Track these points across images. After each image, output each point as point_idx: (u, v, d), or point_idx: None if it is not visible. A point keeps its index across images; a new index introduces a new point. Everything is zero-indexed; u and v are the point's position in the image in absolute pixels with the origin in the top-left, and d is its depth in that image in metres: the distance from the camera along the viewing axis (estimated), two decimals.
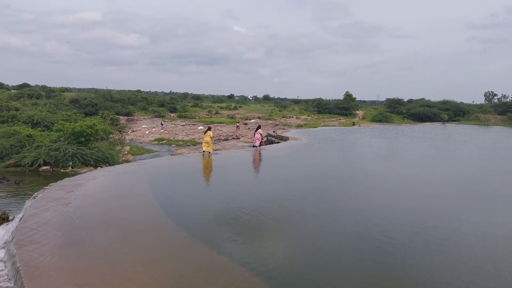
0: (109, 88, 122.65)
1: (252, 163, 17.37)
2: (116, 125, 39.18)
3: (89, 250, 6.37)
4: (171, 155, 28.57)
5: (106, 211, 8.66)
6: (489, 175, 16.81)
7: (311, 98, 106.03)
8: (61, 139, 23.49)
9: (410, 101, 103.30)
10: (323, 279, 5.92)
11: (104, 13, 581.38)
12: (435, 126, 58.04)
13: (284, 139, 29.54)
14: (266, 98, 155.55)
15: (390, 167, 18.29)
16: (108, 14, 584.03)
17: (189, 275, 5.73)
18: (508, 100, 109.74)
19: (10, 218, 9.17)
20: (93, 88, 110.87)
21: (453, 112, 78.07)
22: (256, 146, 21.26)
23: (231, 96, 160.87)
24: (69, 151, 22.07)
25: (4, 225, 8.67)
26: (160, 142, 38.99)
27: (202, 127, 51.57)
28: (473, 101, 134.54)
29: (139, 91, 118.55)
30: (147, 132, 46.05)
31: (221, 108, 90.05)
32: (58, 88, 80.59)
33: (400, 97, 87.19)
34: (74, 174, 18.14)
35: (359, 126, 54.96)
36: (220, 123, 58.33)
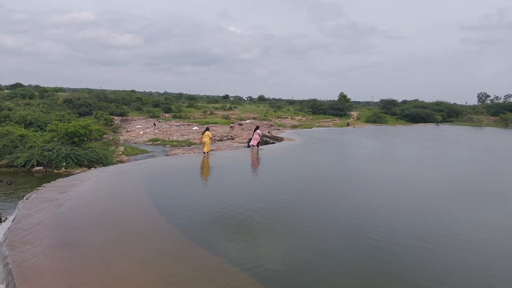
0: (103, 88, 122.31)
1: (247, 164, 17.36)
2: (110, 125, 39.02)
3: (83, 251, 6.32)
4: (165, 155, 28.50)
5: (100, 212, 8.61)
6: (481, 176, 16.95)
7: (306, 98, 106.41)
8: (54, 139, 23.33)
9: (404, 102, 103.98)
10: (319, 279, 5.93)
11: (99, 13, 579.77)
12: (429, 127, 58.45)
13: (279, 139, 29.59)
14: (261, 99, 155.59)
15: (384, 167, 18.38)
16: (103, 14, 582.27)
17: (185, 276, 5.71)
18: (501, 102, 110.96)
19: (3, 219, 9.10)
20: (87, 88, 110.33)
21: (446, 113, 78.74)
22: (253, 146, 21.27)
23: (226, 97, 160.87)
24: (63, 152, 21.93)
25: None
26: (155, 143, 38.86)
27: (197, 128, 51.49)
28: (466, 102, 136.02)
29: (133, 91, 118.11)
30: (141, 132, 45.86)
31: (216, 108, 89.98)
32: (52, 88, 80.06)
33: (394, 98, 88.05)
34: (68, 174, 18.02)
35: (354, 126, 55.21)
36: (215, 123, 58.28)
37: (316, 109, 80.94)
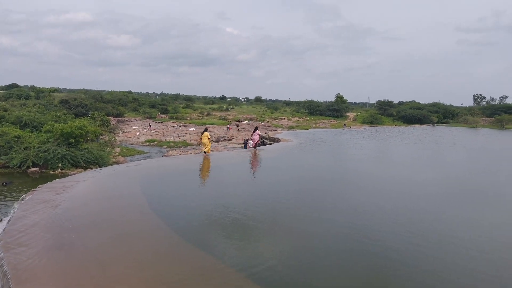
0: (100, 89, 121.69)
1: (245, 164, 17.35)
2: (107, 126, 38.89)
3: (79, 252, 6.29)
4: (162, 156, 28.43)
5: (96, 213, 8.57)
6: (478, 176, 17.05)
7: (302, 100, 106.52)
8: (50, 140, 23.20)
9: (401, 103, 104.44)
10: (316, 279, 5.93)
11: (96, 13, 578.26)
12: (425, 128, 58.70)
13: (276, 140, 29.61)
14: (258, 100, 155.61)
15: (381, 168, 18.43)
16: (100, 14, 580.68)
17: (181, 277, 5.69)
18: (496, 103, 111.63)
19: None
20: (84, 89, 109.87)
21: (442, 115, 79.09)
22: (250, 147, 21.38)
23: (223, 98, 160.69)
24: (59, 153, 21.82)
25: None
26: (151, 144, 38.75)
27: (194, 129, 51.39)
28: (462, 104, 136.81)
29: (130, 92, 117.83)
30: (138, 133, 45.72)
31: (213, 109, 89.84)
32: (48, 88, 79.69)
33: (390, 99, 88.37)
34: (64, 175, 17.92)
35: (350, 128, 55.35)
36: (212, 124, 58.19)
37: (313, 110, 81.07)
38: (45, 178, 18.49)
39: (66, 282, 5.28)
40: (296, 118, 73.57)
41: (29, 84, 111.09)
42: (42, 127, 27.11)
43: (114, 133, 39.64)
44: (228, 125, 55.43)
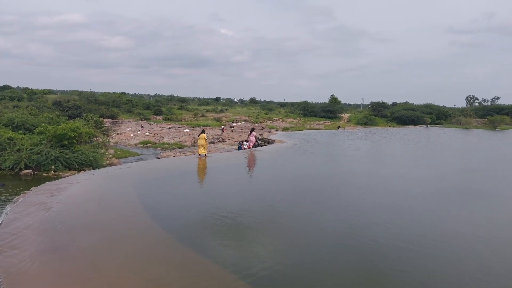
0: (93, 90, 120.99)
1: (241, 166, 17.33)
2: (100, 128, 38.67)
3: (72, 255, 6.23)
4: (156, 158, 28.32)
5: (89, 215, 8.50)
6: (470, 176, 17.19)
7: (297, 101, 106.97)
8: (43, 142, 23.02)
9: (394, 104, 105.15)
10: (312, 279, 5.94)
11: (89, 15, 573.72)
12: (418, 129, 59.13)
13: (271, 142, 29.64)
14: (253, 101, 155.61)
15: (375, 168, 18.50)
16: (93, 16, 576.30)
17: (175, 279, 5.67)
18: (489, 104, 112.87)
19: None
20: (77, 91, 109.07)
21: (435, 116, 79.74)
22: (245, 149, 21.45)
23: (217, 99, 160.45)
24: (52, 155, 21.65)
25: None
26: (145, 145, 38.62)
27: (188, 130, 51.30)
28: (455, 105, 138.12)
29: (124, 93, 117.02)
30: (132, 135, 45.53)
31: (207, 111, 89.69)
32: (41, 90, 78.94)
33: (384, 101, 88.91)
34: (57, 178, 17.77)
35: (344, 129, 55.61)
36: (206, 125, 58.11)
37: (307, 112, 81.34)
38: (38, 180, 18.34)
39: (59, 285, 5.23)
40: (290, 120, 73.75)
41: (21, 86, 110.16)
42: (34, 129, 26.89)
43: (108, 135, 39.42)
44: (222, 126, 55.41)
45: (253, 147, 22.19)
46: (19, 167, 20.78)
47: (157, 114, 71.99)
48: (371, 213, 9.76)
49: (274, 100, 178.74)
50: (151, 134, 46.41)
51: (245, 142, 26.60)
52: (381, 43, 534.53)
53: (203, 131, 19.23)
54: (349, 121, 74.10)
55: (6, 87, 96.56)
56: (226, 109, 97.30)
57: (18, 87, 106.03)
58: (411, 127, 66.22)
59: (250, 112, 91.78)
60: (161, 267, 6.07)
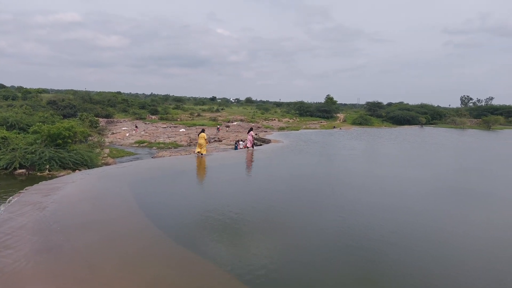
0: (88, 89, 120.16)
1: (235, 165, 17.31)
2: (95, 127, 38.41)
3: (67, 255, 6.20)
4: (152, 157, 28.21)
5: (84, 215, 8.45)
6: (465, 175, 17.30)
7: (293, 101, 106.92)
8: (37, 141, 22.84)
9: (389, 104, 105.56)
10: (309, 279, 5.95)
11: (85, 14, 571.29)
12: (413, 129, 59.42)
13: (267, 141, 29.65)
14: (249, 101, 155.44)
15: (370, 167, 18.57)
16: (88, 15, 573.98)
17: (171, 279, 5.65)
18: (483, 104, 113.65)
19: None
20: (72, 90, 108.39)
21: (430, 116, 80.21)
22: (241, 148, 21.49)
23: (213, 99, 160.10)
24: (46, 154, 21.49)
25: None
26: (141, 145, 38.44)
27: (184, 130, 51.14)
28: (449, 105, 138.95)
29: (119, 92, 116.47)
30: (127, 134, 45.33)
31: (203, 110, 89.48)
32: (35, 89, 78.37)
33: (380, 101, 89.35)
34: (51, 177, 17.64)
35: (340, 129, 55.74)
36: (202, 125, 57.97)
37: (303, 111, 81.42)
38: (33, 180, 18.21)
39: (54, 285, 5.20)
40: (286, 119, 73.75)
41: (16, 85, 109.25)
42: (29, 128, 26.68)
43: (103, 134, 39.17)
44: (218, 126, 55.31)
45: (253, 145, 22.45)
46: (13, 167, 20.60)
47: (152, 114, 71.65)
48: (366, 212, 9.79)
49: (270, 100, 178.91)
50: (147, 134, 46.21)
51: (241, 142, 26.59)
52: (378, 43, 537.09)
53: (203, 131, 19.18)
54: (344, 121, 74.25)
55: (0, 86, 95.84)
56: (222, 109, 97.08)
57: (12, 86, 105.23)
58: (406, 127, 66.54)
59: (246, 111, 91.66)
60: (158, 266, 6.05)
